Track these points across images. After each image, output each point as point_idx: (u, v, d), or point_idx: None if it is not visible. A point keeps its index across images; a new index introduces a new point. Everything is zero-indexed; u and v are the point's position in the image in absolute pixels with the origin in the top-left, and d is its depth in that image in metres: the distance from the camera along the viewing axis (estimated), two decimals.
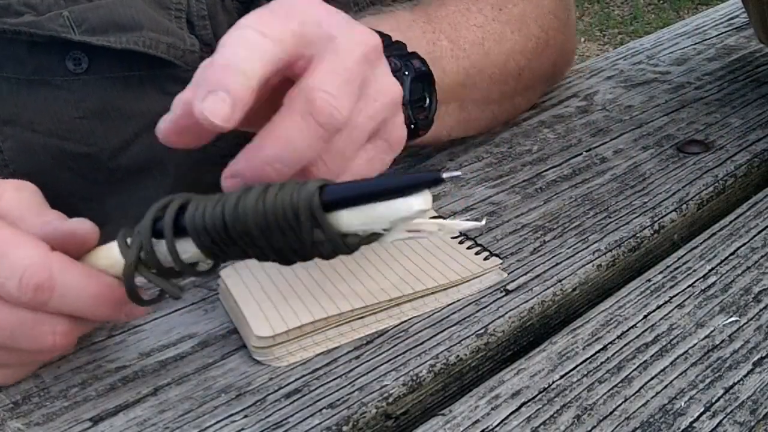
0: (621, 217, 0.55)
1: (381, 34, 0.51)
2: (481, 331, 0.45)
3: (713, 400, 0.40)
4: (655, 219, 0.55)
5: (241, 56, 0.39)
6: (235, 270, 0.48)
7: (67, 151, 0.61)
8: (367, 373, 0.43)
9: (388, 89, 0.44)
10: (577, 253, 0.52)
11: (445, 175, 0.36)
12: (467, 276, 0.48)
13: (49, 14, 0.58)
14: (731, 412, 0.39)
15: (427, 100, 0.54)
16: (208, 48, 0.62)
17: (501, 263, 0.50)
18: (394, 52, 0.53)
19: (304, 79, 0.40)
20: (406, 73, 0.52)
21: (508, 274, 0.50)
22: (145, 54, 0.59)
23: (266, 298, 0.45)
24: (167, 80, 0.61)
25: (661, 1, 3.88)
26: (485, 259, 0.49)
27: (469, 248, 0.50)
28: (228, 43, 0.40)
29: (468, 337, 0.45)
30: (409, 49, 0.55)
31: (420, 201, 0.36)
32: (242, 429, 0.39)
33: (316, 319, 0.44)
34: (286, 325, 0.43)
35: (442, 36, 0.62)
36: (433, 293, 0.47)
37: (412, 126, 0.53)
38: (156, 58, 0.60)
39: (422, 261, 0.49)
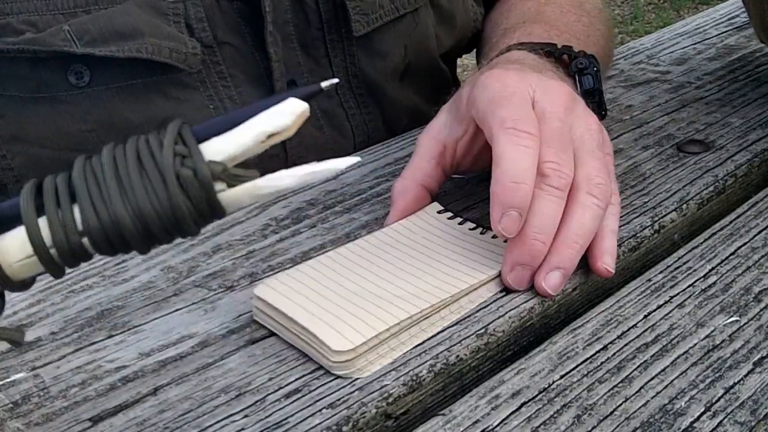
0: (621, 216, 0.55)
1: (546, 44, 0.59)
2: (481, 331, 0.45)
3: (713, 400, 0.40)
4: (656, 219, 0.55)
5: (524, 168, 0.46)
6: (269, 286, 0.46)
7: None
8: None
9: (592, 121, 0.52)
10: None
11: (323, 84, 0.33)
12: None
13: (49, 30, 0.58)
14: (731, 412, 0.39)
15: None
16: (210, 50, 0.62)
17: None
18: (572, 53, 0.60)
19: None
20: (595, 69, 0.59)
21: None
22: (148, 61, 0.59)
23: (326, 312, 0.44)
24: (170, 85, 0.61)
25: (662, 1, 3.88)
26: None
27: (493, 237, 0.51)
28: (507, 157, 0.46)
29: (468, 337, 0.45)
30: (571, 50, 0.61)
31: (289, 106, 0.31)
32: (242, 429, 0.39)
33: (390, 325, 0.43)
34: (363, 336, 0.42)
35: (566, 35, 0.66)
36: (484, 284, 0.48)
37: (603, 113, 0.62)
38: (158, 65, 0.60)
39: (462, 257, 0.49)
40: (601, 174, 0.49)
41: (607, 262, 0.49)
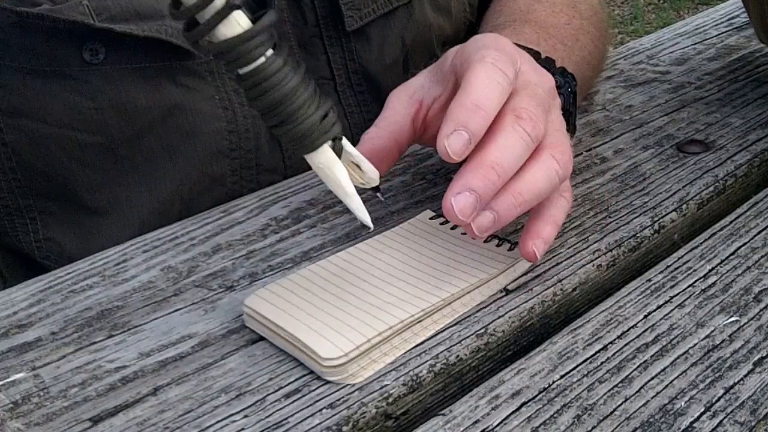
0: (621, 217, 0.55)
1: (531, 50, 0.58)
2: (481, 331, 0.45)
3: (713, 400, 0.40)
4: (656, 219, 0.55)
5: (485, 98, 0.45)
6: (260, 297, 0.46)
7: (79, 141, 0.61)
8: None
9: (562, 119, 0.52)
10: (577, 253, 0.52)
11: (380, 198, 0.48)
12: (502, 268, 0.49)
13: (68, 3, 0.58)
14: (731, 412, 0.39)
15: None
16: None
17: None
18: (553, 68, 0.58)
19: (510, 102, 0.47)
20: (569, 89, 0.58)
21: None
22: (164, 44, 0.60)
23: (316, 321, 0.44)
24: (181, 73, 0.62)
25: (661, 1, 3.88)
26: (509, 249, 0.50)
27: (486, 241, 0.51)
28: (474, 80, 0.46)
29: (468, 337, 0.45)
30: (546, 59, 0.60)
31: None
32: (242, 429, 0.39)
33: (380, 331, 0.43)
34: (352, 343, 0.42)
35: (553, 40, 0.65)
36: (477, 287, 0.48)
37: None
38: (172, 50, 0.60)
39: (455, 262, 0.49)
40: (567, 150, 0.48)
41: (537, 245, 0.47)
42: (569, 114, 0.58)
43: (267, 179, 0.67)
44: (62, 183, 0.62)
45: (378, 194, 0.48)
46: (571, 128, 0.59)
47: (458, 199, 0.44)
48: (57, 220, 0.64)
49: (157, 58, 0.61)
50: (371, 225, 0.45)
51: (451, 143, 0.44)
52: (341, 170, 0.44)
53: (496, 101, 0.45)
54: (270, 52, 0.42)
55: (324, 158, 0.44)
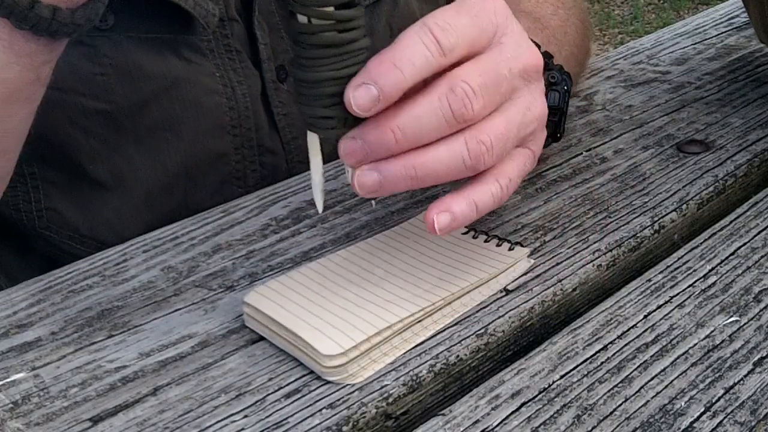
0: (621, 217, 0.55)
1: (534, 42, 0.55)
2: (481, 331, 0.45)
3: (713, 400, 0.40)
4: (656, 219, 0.55)
5: (407, 60, 0.42)
6: (261, 294, 0.46)
7: (84, 107, 0.62)
8: None
9: (540, 106, 0.48)
10: (577, 253, 0.52)
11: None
12: (502, 267, 0.49)
13: None
14: (731, 412, 0.39)
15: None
16: (221, 23, 0.65)
17: (528, 251, 0.51)
18: (551, 64, 0.57)
19: (458, 69, 0.43)
20: (566, 87, 0.56)
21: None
22: (171, 11, 0.60)
23: (317, 318, 0.44)
24: (185, 46, 0.63)
25: (661, 1, 3.88)
26: (510, 249, 0.50)
27: (486, 241, 0.51)
28: (403, 40, 0.42)
29: (468, 337, 0.45)
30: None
31: None
32: (242, 429, 0.39)
33: (380, 329, 0.43)
34: (352, 340, 0.42)
35: (547, 32, 0.64)
36: (476, 287, 0.48)
37: (558, 135, 0.58)
38: (178, 22, 0.62)
39: (455, 261, 0.49)
40: (492, 139, 0.44)
41: (441, 218, 0.44)
42: (561, 113, 0.57)
43: (269, 161, 0.68)
44: (65, 151, 0.63)
45: (372, 201, 0.48)
46: (561, 129, 0.58)
47: (347, 143, 0.43)
48: (60, 191, 0.64)
49: (163, 28, 0.62)
50: (320, 211, 0.47)
51: (357, 95, 0.41)
52: (316, 160, 0.45)
53: (417, 65, 0.42)
54: (334, 35, 0.41)
55: (309, 141, 0.45)
